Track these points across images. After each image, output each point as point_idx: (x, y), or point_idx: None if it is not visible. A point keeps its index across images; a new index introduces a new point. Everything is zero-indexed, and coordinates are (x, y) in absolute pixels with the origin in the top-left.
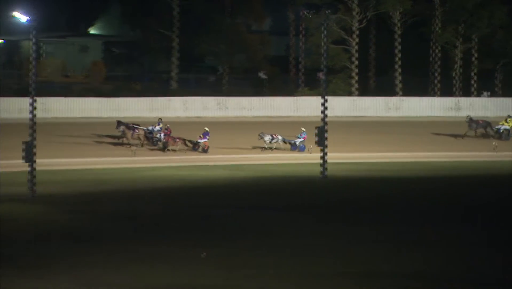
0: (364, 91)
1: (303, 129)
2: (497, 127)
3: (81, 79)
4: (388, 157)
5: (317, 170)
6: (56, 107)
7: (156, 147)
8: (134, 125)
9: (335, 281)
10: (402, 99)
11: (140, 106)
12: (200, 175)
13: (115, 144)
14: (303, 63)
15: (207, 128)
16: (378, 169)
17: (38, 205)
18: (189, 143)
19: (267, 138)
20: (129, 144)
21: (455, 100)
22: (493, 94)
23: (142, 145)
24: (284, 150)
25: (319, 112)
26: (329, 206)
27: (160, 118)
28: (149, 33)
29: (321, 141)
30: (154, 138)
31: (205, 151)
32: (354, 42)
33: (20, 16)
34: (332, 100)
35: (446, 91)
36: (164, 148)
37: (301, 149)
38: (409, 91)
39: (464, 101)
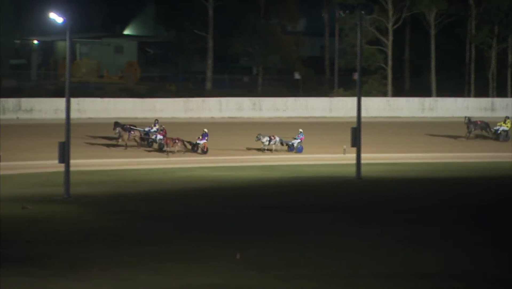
0: (398, 92)
1: (301, 130)
2: (495, 128)
3: (116, 80)
4: (423, 157)
5: (351, 171)
6: (91, 108)
7: (151, 148)
8: (131, 127)
9: (369, 282)
10: (437, 100)
11: (175, 107)
12: (234, 175)
13: (108, 145)
14: (338, 64)
15: (206, 130)
16: (413, 170)
17: (73, 206)
18: (188, 145)
19: (265, 139)
20: (125, 145)
21: (490, 101)
22: None
23: (138, 146)
24: (281, 151)
25: (353, 113)
26: (363, 207)
27: (157, 120)
28: (184, 34)
29: (356, 142)
30: (149, 140)
31: (204, 152)
32: (389, 43)
33: (55, 17)
34: (367, 101)
35: (481, 92)
36: (160, 149)
37: (299, 150)
38: (444, 92)
39: (499, 102)
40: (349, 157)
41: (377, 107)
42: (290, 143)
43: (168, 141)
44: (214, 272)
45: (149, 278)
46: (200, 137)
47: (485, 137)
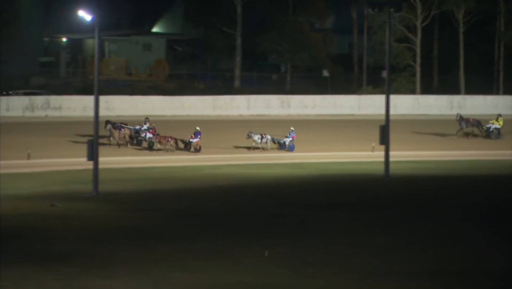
0: (427, 90)
1: (292, 128)
2: (487, 126)
3: (144, 78)
4: (452, 155)
5: (379, 169)
6: (120, 106)
7: (140, 147)
8: (122, 125)
9: (399, 280)
10: (466, 98)
11: (204, 104)
12: (262, 173)
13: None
14: (366, 61)
15: (198, 128)
16: (443, 168)
17: (102, 203)
18: (180, 143)
19: (256, 137)
20: (116, 144)
21: None
22: None
23: (127, 144)
24: (272, 149)
25: (382, 111)
26: (392, 204)
27: (147, 118)
28: (212, 31)
29: (384, 139)
30: (139, 138)
31: (197, 150)
32: (418, 41)
33: (84, 15)
34: (395, 99)
35: (510, 89)
36: (150, 147)
37: (290, 148)
38: (472, 90)
39: None
40: (378, 155)
41: (405, 105)
42: (282, 141)
43: (161, 139)
44: (242, 270)
45: (178, 275)
46: (193, 135)
47: (475, 136)
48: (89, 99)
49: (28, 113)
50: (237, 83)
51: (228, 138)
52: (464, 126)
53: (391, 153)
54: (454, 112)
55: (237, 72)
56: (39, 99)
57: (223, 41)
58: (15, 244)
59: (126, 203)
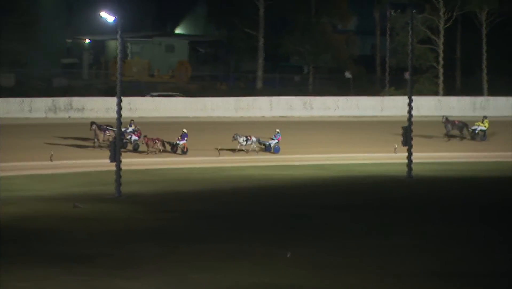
0: (450, 91)
1: (278, 130)
2: (473, 128)
3: (167, 79)
4: (476, 156)
5: (402, 170)
6: (142, 107)
7: (124, 149)
8: (108, 127)
9: (421, 281)
10: (489, 99)
11: (226, 106)
12: (285, 174)
13: (81, 146)
14: (389, 62)
15: (185, 130)
16: (467, 169)
17: (125, 205)
18: (167, 145)
19: (242, 139)
20: (100, 146)
21: None
22: None
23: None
24: (258, 151)
25: (405, 112)
26: (415, 206)
27: (132, 120)
28: (235, 33)
29: (407, 141)
30: (124, 140)
31: (184, 152)
32: (440, 42)
33: (107, 16)
34: (418, 100)
35: None
36: (135, 150)
37: (276, 150)
38: (496, 91)
39: None
40: (400, 156)
41: (428, 106)
42: (267, 143)
43: (148, 141)
44: (264, 271)
45: (200, 276)
46: (180, 138)
47: (461, 138)
48: (112, 101)
49: (50, 115)
50: (259, 84)
51: None
52: (450, 129)
53: (414, 154)
54: (477, 114)
55: (260, 73)
56: (62, 101)
57: (246, 43)
58: (37, 245)
59: (148, 204)
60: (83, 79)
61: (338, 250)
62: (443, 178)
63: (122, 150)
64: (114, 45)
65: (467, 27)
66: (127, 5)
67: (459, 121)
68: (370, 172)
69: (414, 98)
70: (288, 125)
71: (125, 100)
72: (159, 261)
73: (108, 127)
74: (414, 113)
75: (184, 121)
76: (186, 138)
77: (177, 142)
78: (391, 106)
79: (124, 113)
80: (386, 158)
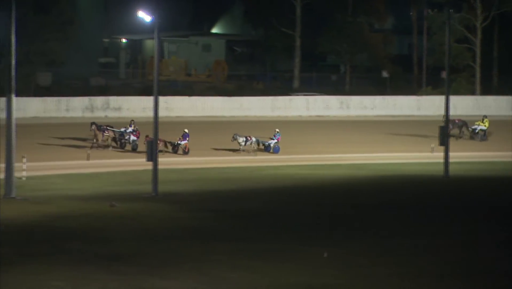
0: (487, 90)
1: (277, 130)
2: (473, 127)
3: (204, 78)
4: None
5: (439, 169)
6: (179, 106)
7: (123, 150)
8: (108, 127)
9: (459, 281)
10: None
11: (263, 105)
12: (322, 173)
13: (79, 147)
14: (426, 62)
15: (186, 130)
16: (502, 168)
17: (161, 204)
18: (169, 145)
19: (241, 140)
20: (100, 146)
21: None
22: None
23: (109, 147)
24: (258, 151)
25: (441, 111)
26: (452, 205)
27: (132, 120)
28: (271, 32)
29: (444, 140)
30: (122, 140)
31: (185, 152)
32: (478, 41)
33: (144, 16)
34: (455, 99)
35: None
36: (134, 150)
37: (275, 150)
38: None
39: None
40: (437, 156)
41: (465, 105)
42: (267, 143)
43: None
44: (301, 271)
45: (238, 276)
46: (181, 138)
47: (458, 138)
48: (149, 100)
49: (87, 114)
50: (296, 84)
51: (287, 140)
52: (451, 127)
53: (451, 154)
54: None
55: (296, 72)
56: (99, 100)
57: (282, 42)
58: (74, 244)
59: (185, 203)
60: (120, 78)
61: (374, 250)
62: (480, 177)
63: (121, 150)
64: (150, 44)
65: (505, 27)
66: (164, 5)
67: (459, 120)
68: (406, 171)
69: (451, 97)
70: (325, 125)
71: (162, 99)
72: (196, 260)
73: (108, 128)
74: (451, 112)
75: (222, 121)
76: (187, 138)
77: (179, 142)
78: (428, 105)
79: (161, 113)
80: (423, 157)
